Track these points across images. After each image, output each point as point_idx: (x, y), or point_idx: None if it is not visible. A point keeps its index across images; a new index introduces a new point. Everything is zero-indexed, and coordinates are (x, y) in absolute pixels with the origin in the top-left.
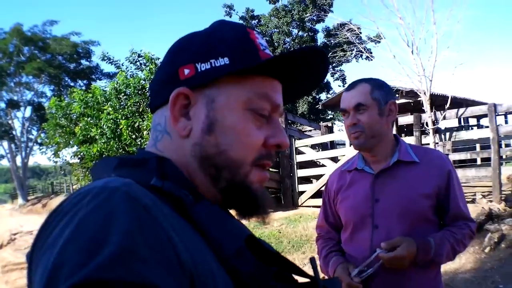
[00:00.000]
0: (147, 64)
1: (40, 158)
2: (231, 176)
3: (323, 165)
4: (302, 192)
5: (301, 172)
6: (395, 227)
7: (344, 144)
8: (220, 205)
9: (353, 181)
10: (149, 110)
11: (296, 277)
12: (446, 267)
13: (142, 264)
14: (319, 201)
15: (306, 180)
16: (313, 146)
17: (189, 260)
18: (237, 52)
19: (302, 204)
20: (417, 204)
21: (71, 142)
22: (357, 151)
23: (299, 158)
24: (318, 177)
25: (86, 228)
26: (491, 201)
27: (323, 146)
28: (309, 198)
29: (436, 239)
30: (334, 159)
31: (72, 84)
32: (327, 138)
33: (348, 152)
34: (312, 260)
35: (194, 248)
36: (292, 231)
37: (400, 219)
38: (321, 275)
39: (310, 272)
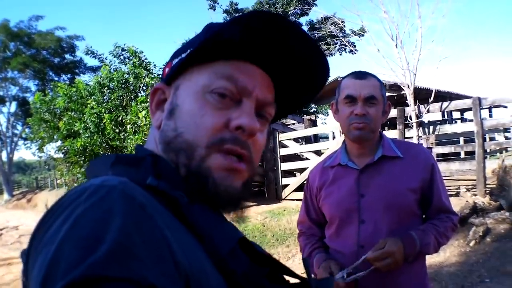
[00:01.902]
0: (131, 58)
1: (25, 153)
2: (187, 161)
3: (306, 159)
4: (286, 186)
5: (285, 166)
6: (382, 221)
7: (327, 137)
8: (188, 198)
9: (337, 176)
10: (132, 103)
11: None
12: (431, 261)
13: (138, 262)
14: (302, 195)
15: (290, 173)
16: (296, 140)
17: (184, 259)
18: (200, 41)
19: (285, 197)
20: (403, 198)
21: (55, 136)
22: (341, 145)
23: (282, 152)
24: (301, 170)
25: (83, 225)
26: (475, 195)
27: (307, 140)
28: (292, 192)
29: (418, 232)
30: (318, 153)
31: (56, 78)
32: (310, 131)
33: (331, 145)
34: (305, 261)
35: (188, 248)
36: (276, 224)
37: (386, 213)
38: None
39: (299, 272)
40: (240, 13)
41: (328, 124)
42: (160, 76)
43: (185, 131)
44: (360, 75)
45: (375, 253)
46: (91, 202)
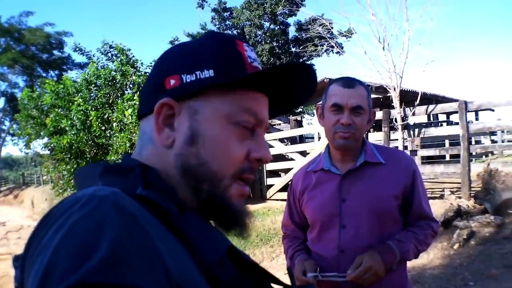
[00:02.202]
0: (118, 55)
1: (12, 149)
2: (211, 188)
3: (291, 159)
4: (271, 186)
5: (270, 166)
6: (362, 226)
7: (312, 138)
8: (200, 215)
9: (320, 181)
10: (118, 101)
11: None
12: (414, 263)
13: (131, 270)
14: (285, 194)
15: (275, 173)
16: (282, 140)
17: (174, 269)
18: (223, 64)
19: (270, 197)
20: (384, 204)
21: (42, 133)
22: (325, 149)
23: None
24: (286, 170)
25: (77, 234)
26: (460, 198)
27: (292, 140)
28: (277, 192)
29: (395, 242)
30: (303, 153)
31: (44, 74)
32: (296, 132)
33: (317, 146)
34: (289, 270)
35: (178, 258)
36: (261, 224)
37: (367, 218)
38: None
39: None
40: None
41: (314, 124)
42: (147, 74)
43: (210, 161)
44: (348, 83)
45: (355, 273)
46: (84, 211)
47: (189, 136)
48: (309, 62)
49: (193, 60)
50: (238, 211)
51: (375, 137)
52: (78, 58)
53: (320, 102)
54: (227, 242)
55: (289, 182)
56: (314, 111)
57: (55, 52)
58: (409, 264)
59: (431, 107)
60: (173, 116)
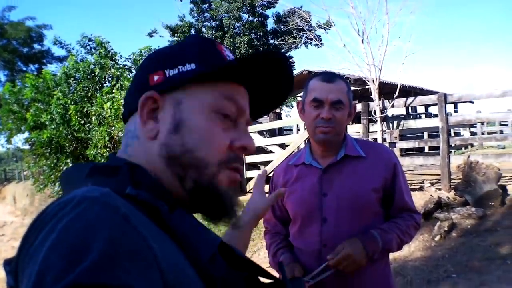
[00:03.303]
0: (97, 48)
1: None
2: (197, 176)
3: (270, 151)
4: (250, 179)
5: (249, 158)
6: (344, 220)
7: (291, 130)
8: (188, 207)
9: (300, 175)
10: (97, 94)
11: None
12: (396, 255)
13: (124, 270)
14: (266, 188)
15: (254, 166)
16: (260, 132)
17: (168, 267)
18: (204, 58)
19: (250, 190)
20: (365, 198)
21: (22, 128)
22: (306, 143)
23: None
24: (266, 163)
25: (69, 236)
26: (439, 189)
27: (271, 133)
28: None
29: (378, 231)
30: (282, 146)
31: (24, 68)
32: (275, 124)
33: (295, 139)
34: (281, 264)
35: (171, 256)
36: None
37: (348, 212)
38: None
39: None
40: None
41: (292, 117)
42: (127, 67)
43: (195, 148)
44: (328, 78)
45: (334, 259)
46: (76, 213)
47: (173, 125)
48: (287, 54)
49: (176, 57)
50: (228, 199)
51: (354, 130)
52: (58, 51)
53: (301, 96)
54: (218, 238)
55: (271, 176)
56: (293, 104)
57: (35, 45)
58: (391, 256)
59: (410, 99)
60: (157, 109)
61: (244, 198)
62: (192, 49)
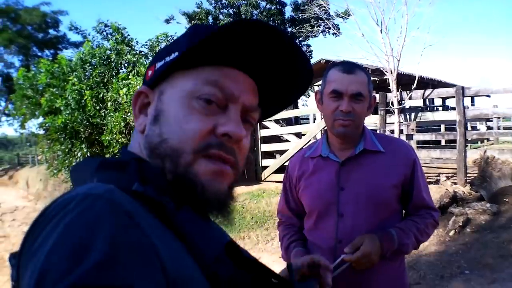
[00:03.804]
0: (114, 34)
1: (7, 129)
2: (173, 166)
3: (287, 140)
4: (266, 167)
5: (265, 147)
6: (360, 215)
7: (308, 119)
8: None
9: (317, 168)
10: (113, 80)
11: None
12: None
13: (126, 270)
14: (282, 176)
15: (270, 155)
16: (277, 121)
17: (172, 266)
18: (186, 45)
19: (265, 179)
20: (383, 193)
21: (36, 113)
22: (322, 135)
23: (263, 133)
24: (281, 152)
25: (71, 235)
26: (455, 183)
27: (288, 121)
28: (272, 173)
29: (397, 230)
30: (298, 135)
31: (39, 54)
32: (291, 113)
33: (312, 128)
34: (289, 266)
35: (176, 255)
36: (255, 206)
37: (365, 207)
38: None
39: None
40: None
41: (309, 106)
42: (144, 53)
43: (171, 137)
44: (348, 69)
45: (351, 257)
46: (78, 211)
47: (153, 116)
48: (305, 42)
49: (166, 49)
50: (211, 190)
51: (371, 120)
52: (74, 37)
53: (318, 85)
54: (226, 238)
55: (286, 167)
56: (310, 93)
57: (51, 31)
58: None
59: (428, 91)
60: (149, 104)
61: (260, 187)
62: (181, 38)
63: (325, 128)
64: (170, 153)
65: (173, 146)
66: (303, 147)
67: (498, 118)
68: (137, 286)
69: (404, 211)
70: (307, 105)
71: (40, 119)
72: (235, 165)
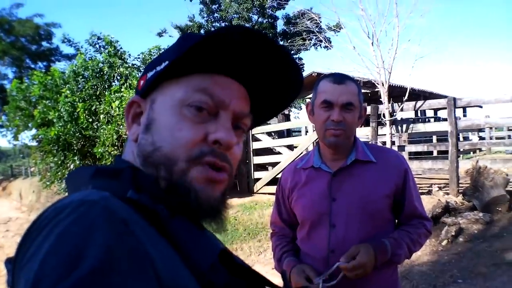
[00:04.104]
0: (106, 46)
1: (1, 140)
2: (167, 174)
3: (279, 153)
4: (258, 179)
5: (257, 159)
6: (352, 226)
7: (300, 132)
8: (170, 209)
9: (309, 179)
10: (106, 93)
11: None
12: None
13: (119, 278)
14: (274, 188)
15: (262, 167)
16: (269, 133)
17: (166, 274)
18: (177, 54)
19: (257, 191)
20: (375, 203)
21: (30, 125)
22: (315, 146)
23: (255, 145)
24: (274, 164)
25: (66, 242)
26: (447, 194)
27: (280, 134)
28: (264, 185)
29: (391, 241)
30: (290, 147)
31: (32, 66)
32: (283, 126)
33: (304, 140)
34: (283, 273)
35: (170, 263)
36: (248, 218)
37: (357, 218)
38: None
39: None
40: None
41: (301, 118)
42: (136, 66)
43: (164, 145)
44: (339, 80)
45: (347, 265)
46: (73, 218)
47: (145, 125)
48: (297, 56)
49: (157, 59)
50: (205, 198)
51: (363, 132)
52: (66, 49)
53: (310, 98)
54: (219, 246)
55: (278, 179)
56: (302, 105)
57: (44, 43)
58: None
59: (419, 103)
60: (142, 113)
61: (252, 199)
62: (172, 47)
63: (317, 140)
64: (164, 161)
65: (167, 154)
66: (296, 159)
67: (491, 128)
68: None
69: (396, 221)
70: (299, 117)
71: (33, 131)
72: (229, 172)
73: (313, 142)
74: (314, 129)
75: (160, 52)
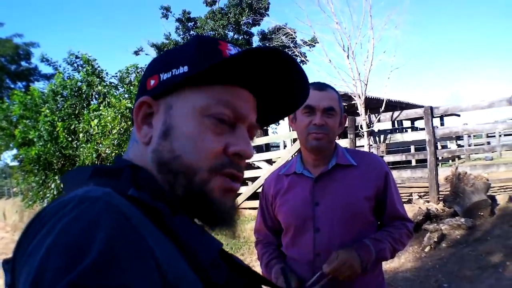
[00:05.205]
0: (84, 65)
1: None
2: (187, 183)
3: (258, 167)
4: (238, 194)
5: None
6: (336, 229)
7: (278, 146)
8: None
9: (292, 185)
10: (84, 112)
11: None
12: (386, 266)
13: (123, 272)
14: (255, 203)
15: (242, 182)
16: None
17: (168, 269)
18: (199, 60)
19: (238, 206)
20: (357, 206)
21: (11, 144)
22: (297, 153)
23: None
24: (253, 179)
25: (68, 236)
26: (428, 202)
27: (258, 149)
28: (245, 200)
29: (372, 240)
30: (269, 161)
31: (12, 86)
32: (262, 140)
33: (283, 155)
34: (283, 269)
35: (172, 259)
36: None
37: (340, 221)
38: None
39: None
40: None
41: (279, 133)
42: (114, 84)
43: (184, 154)
44: (320, 87)
45: (331, 266)
46: (76, 213)
47: (163, 131)
48: None
49: (172, 60)
50: (223, 207)
51: (341, 144)
52: (45, 69)
53: None
54: (219, 244)
55: (261, 187)
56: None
57: (23, 63)
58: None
59: (396, 113)
60: (152, 114)
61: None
62: (189, 50)
63: (296, 152)
64: (184, 170)
65: (188, 164)
66: (279, 167)
67: (469, 136)
68: (135, 287)
69: (379, 223)
70: (277, 132)
71: (15, 151)
72: (241, 181)
73: (292, 156)
74: (292, 143)
75: (138, 70)
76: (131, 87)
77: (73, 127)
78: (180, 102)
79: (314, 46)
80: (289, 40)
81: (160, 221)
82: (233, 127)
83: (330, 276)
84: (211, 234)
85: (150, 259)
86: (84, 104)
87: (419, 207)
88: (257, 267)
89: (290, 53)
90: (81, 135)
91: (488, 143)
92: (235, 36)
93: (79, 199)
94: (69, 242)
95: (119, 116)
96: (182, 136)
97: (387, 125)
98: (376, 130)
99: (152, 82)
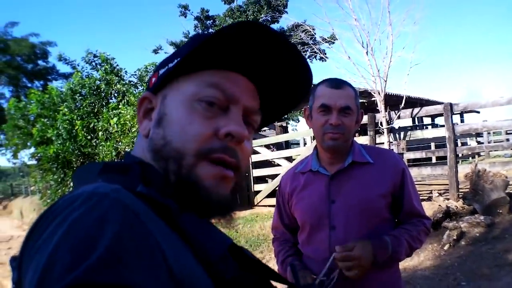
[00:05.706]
0: (102, 64)
1: (0, 159)
2: (176, 168)
3: (278, 165)
4: (258, 192)
5: (257, 172)
6: (352, 227)
7: (298, 144)
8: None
9: (308, 182)
10: (103, 110)
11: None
12: (405, 264)
13: (130, 268)
14: (274, 201)
15: (262, 179)
16: (267, 146)
17: (177, 266)
18: (187, 50)
19: (258, 203)
20: (373, 204)
21: (28, 143)
22: (313, 150)
23: (254, 158)
24: (273, 176)
25: (77, 231)
26: (448, 199)
27: (278, 146)
28: (264, 198)
29: (391, 237)
30: (289, 159)
31: (29, 85)
32: (282, 138)
33: (302, 152)
34: (293, 267)
35: (180, 255)
36: (249, 230)
37: (356, 219)
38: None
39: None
40: (212, 20)
41: (299, 130)
42: (133, 83)
43: (174, 139)
44: (336, 84)
45: (341, 253)
46: (85, 209)
47: (157, 119)
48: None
49: (169, 58)
50: (215, 195)
51: (361, 141)
52: (63, 68)
53: (308, 104)
54: (228, 239)
55: (277, 186)
56: (299, 118)
57: (40, 62)
58: (400, 265)
59: (416, 110)
60: (153, 109)
61: (253, 211)
62: (184, 46)
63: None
64: (173, 155)
65: (176, 148)
66: (295, 164)
67: (489, 132)
68: (142, 283)
69: (396, 220)
70: (297, 129)
71: (32, 149)
72: (237, 168)
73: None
74: (312, 140)
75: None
76: None
77: (92, 125)
78: (173, 91)
79: (333, 43)
80: (308, 37)
81: (168, 217)
82: (225, 110)
83: (339, 268)
84: (221, 230)
85: (157, 254)
86: (103, 103)
87: (439, 205)
88: (276, 265)
89: (309, 50)
90: (100, 133)
91: (507, 140)
92: None
93: (88, 195)
94: (76, 239)
95: None
96: (172, 122)
97: (408, 122)
98: (396, 127)
99: (154, 79)
